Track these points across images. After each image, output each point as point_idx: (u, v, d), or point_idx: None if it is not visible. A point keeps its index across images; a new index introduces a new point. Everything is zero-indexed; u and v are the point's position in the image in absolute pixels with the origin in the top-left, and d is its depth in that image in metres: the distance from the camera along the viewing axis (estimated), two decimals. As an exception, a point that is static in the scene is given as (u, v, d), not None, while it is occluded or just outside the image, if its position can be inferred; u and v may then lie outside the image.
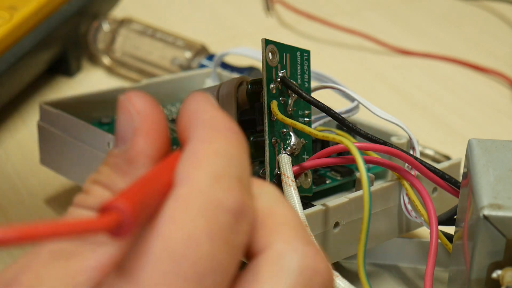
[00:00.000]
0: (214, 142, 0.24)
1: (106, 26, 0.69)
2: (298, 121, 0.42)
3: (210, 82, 0.56)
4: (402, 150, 0.40)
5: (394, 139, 0.46)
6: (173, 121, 0.52)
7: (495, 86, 0.72)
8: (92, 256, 0.23)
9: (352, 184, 0.45)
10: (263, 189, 0.26)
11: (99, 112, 0.52)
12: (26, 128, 0.61)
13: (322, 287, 0.25)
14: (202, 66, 0.65)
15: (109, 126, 0.51)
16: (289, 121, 0.40)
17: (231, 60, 0.64)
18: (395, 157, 0.40)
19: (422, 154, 0.57)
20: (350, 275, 0.37)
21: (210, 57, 0.66)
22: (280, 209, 0.26)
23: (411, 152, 0.42)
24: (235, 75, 0.56)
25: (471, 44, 0.80)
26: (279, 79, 0.41)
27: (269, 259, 0.24)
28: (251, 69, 0.62)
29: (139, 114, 0.25)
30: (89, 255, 0.23)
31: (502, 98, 0.70)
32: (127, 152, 0.25)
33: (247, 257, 0.25)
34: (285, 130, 0.41)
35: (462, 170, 0.38)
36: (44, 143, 0.50)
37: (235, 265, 0.24)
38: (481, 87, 0.72)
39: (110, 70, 0.70)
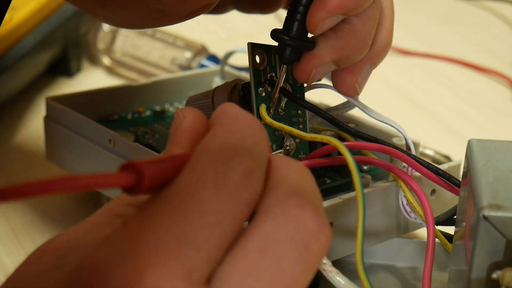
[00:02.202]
0: (230, 125, 0.28)
1: (106, 26, 0.69)
2: (292, 121, 0.42)
3: (218, 80, 0.56)
4: (393, 147, 0.40)
5: (395, 140, 0.45)
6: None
7: (495, 86, 0.72)
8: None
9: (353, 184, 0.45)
10: (287, 163, 0.29)
11: (107, 109, 0.52)
12: (26, 128, 0.61)
13: (309, 240, 0.26)
14: (202, 66, 0.65)
15: (116, 123, 0.51)
16: (277, 125, 0.40)
17: (233, 60, 0.64)
18: (386, 154, 0.40)
19: (422, 154, 0.57)
20: (351, 274, 0.37)
21: (210, 57, 0.66)
22: (292, 177, 0.28)
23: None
24: (243, 74, 0.56)
25: (471, 44, 0.80)
26: (267, 82, 0.41)
27: (260, 211, 0.27)
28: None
29: (184, 119, 0.30)
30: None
31: (502, 98, 0.70)
32: (168, 147, 0.29)
33: None
34: (278, 131, 0.41)
35: (462, 172, 0.38)
36: (50, 138, 0.50)
37: (239, 218, 0.26)
38: (481, 87, 0.72)
39: (110, 70, 0.70)
